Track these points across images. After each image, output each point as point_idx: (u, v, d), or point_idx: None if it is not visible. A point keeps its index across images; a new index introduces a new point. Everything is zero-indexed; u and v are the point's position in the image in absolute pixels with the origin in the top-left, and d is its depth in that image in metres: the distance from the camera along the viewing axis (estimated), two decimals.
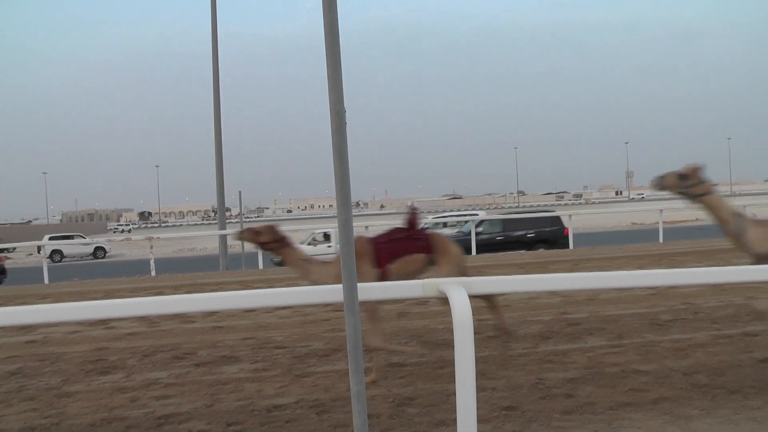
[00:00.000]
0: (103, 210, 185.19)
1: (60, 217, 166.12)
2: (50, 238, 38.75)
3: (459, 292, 3.21)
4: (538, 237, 20.80)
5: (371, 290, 3.39)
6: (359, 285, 3.22)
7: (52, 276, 19.33)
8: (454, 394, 3.24)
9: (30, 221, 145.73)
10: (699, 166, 5.58)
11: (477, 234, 20.38)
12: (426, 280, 3.42)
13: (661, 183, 5.72)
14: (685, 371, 5.71)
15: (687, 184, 5.58)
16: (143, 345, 7.82)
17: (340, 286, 3.25)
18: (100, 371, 6.72)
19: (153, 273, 19.19)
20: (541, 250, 20.00)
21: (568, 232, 20.67)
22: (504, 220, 21.72)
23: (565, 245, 20.23)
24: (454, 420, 3.25)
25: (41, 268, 19.70)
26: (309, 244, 25.62)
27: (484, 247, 20.16)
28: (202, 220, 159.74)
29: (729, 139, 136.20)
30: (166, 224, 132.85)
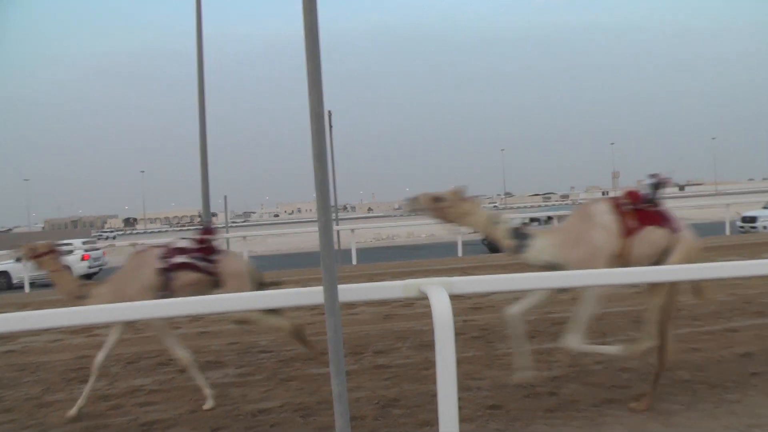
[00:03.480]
0: (87, 217, 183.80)
1: (42, 225, 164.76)
2: None
3: (439, 293, 3.21)
4: None
5: (352, 292, 3.39)
6: (339, 286, 3.22)
7: (33, 284, 19.15)
8: None
9: (10, 229, 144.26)
10: (460, 188, 5.26)
11: None
12: (407, 280, 3.43)
13: (413, 205, 5.33)
14: (668, 367, 5.74)
15: (442, 205, 5.21)
16: (127, 352, 7.77)
17: (321, 288, 3.25)
18: (82, 379, 6.64)
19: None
20: None
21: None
22: None
23: None
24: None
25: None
26: None
27: None
28: (170, 226, 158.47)
29: (713, 139, 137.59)
30: (152, 231, 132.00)
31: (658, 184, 5.29)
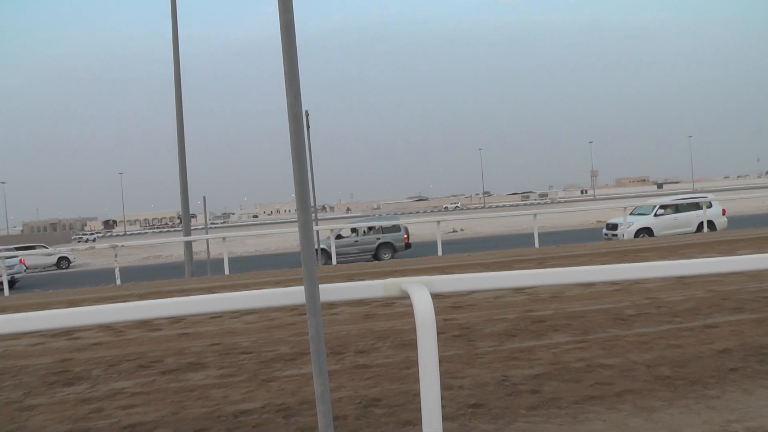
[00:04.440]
0: (66, 219, 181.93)
1: (21, 228, 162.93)
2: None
3: (421, 291, 3.21)
4: None
5: (332, 291, 3.39)
6: (321, 286, 3.22)
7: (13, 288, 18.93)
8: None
9: None
10: None
11: None
12: (388, 279, 3.43)
13: None
14: (649, 364, 5.80)
15: None
16: (108, 354, 7.71)
17: (302, 288, 3.24)
18: (63, 383, 6.59)
19: (118, 282, 18.92)
20: None
21: None
22: None
23: None
24: (421, 419, 3.26)
25: (1, 281, 19.26)
26: None
27: None
28: (143, 229, 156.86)
29: (690, 137, 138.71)
30: (132, 233, 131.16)
31: None
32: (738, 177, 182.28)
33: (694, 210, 24.28)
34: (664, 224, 23.14)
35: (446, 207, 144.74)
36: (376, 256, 24.72)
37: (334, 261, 21.41)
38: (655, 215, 24.02)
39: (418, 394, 3.29)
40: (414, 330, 3.21)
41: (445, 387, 5.19)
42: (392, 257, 24.03)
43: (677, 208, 24.35)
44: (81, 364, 7.38)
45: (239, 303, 3.61)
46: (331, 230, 23.85)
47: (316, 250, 24.50)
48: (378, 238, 25.21)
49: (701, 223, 23.58)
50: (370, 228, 25.79)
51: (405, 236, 25.44)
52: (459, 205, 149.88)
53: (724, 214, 24.49)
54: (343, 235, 25.79)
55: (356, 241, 25.16)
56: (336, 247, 24.13)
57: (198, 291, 13.91)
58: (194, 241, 21.81)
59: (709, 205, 24.15)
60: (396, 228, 25.47)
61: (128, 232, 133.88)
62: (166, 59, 21.18)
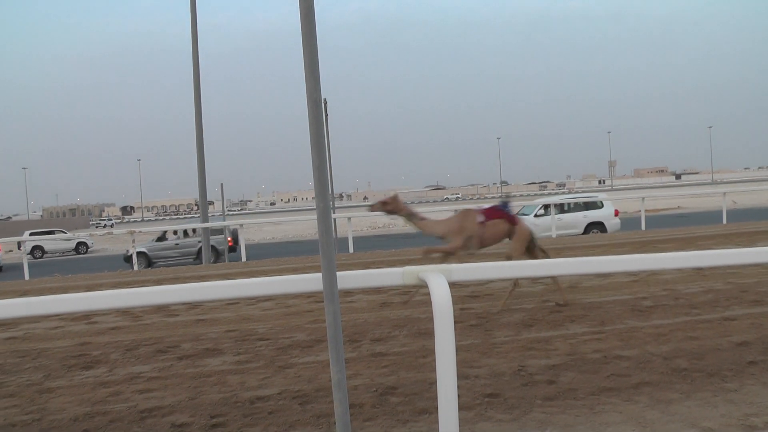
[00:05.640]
0: (84, 205, 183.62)
1: (41, 213, 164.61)
2: (31, 234, 38.23)
3: (439, 280, 3.20)
4: None
5: (350, 279, 3.38)
6: (339, 273, 3.22)
7: (33, 272, 19.12)
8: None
9: (9, 217, 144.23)
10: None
11: None
12: (406, 267, 3.42)
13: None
14: (666, 356, 5.76)
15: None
16: (126, 339, 7.78)
17: (320, 274, 3.24)
18: (82, 366, 6.66)
19: (135, 267, 19.04)
20: None
21: None
22: None
23: None
24: (437, 408, 3.26)
25: (21, 264, 19.46)
26: None
27: None
28: (155, 215, 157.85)
29: (710, 128, 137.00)
30: (149, 219, 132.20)
31: None
32: (759, 168, 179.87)
33: (583, 210, 22.83)
34: (546, 226, 21.25)
35: (447, 198, 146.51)
36: (197, 260, 23.61)
37: (136, 266, 20.16)
38: (536, 215, 22.47)
39: (434, 383, 3.29)
40: (431, 319, 3.20)
41: (461, 376, 5.19)
42: (215, 261, 22.59)
43: (563, 209, 22.76)
44: (99, 347, 7.45)
45: (256, 289, 3.62)
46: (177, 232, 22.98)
47: (135, 254, 23.64)
48: (199, 241, 23.77)
49: (589, 224, 22.28)
50: (193, 230, 24.67)
51: (229, 239, 24.05)
52: (460, 195, 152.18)
53: (617, 215, 23.06)
54: (165, 237, 25.02)
55: (177, 244, 24.23)
56: (157, 250, 23.56)
57: (215, 278, 13.98)
58: (211, 227, 21.76)
59: (600, 206, 22.96)
60: (219, 231, 24.07)
61: (145, 219, 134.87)
62: (185, 47, 21.21)
